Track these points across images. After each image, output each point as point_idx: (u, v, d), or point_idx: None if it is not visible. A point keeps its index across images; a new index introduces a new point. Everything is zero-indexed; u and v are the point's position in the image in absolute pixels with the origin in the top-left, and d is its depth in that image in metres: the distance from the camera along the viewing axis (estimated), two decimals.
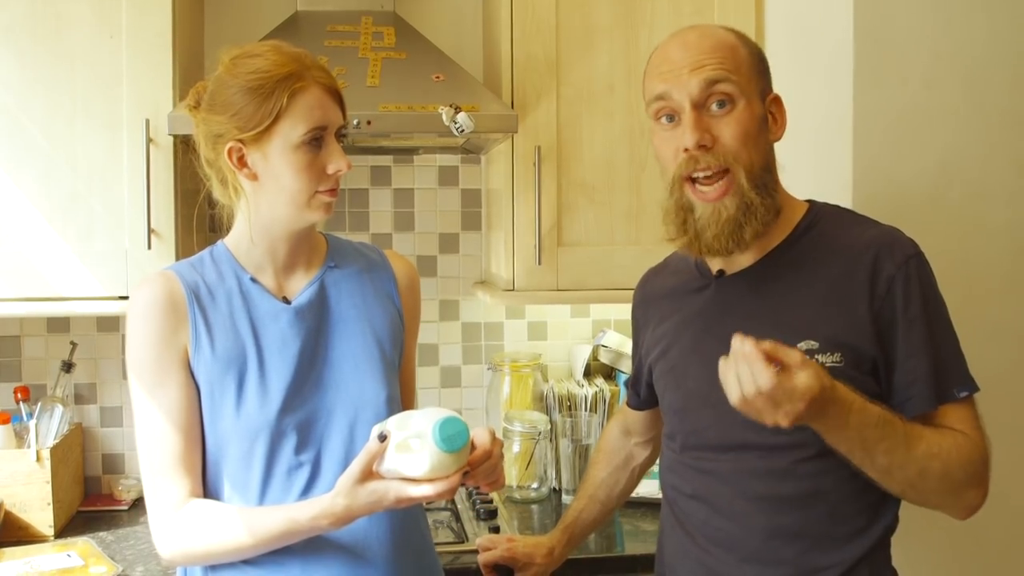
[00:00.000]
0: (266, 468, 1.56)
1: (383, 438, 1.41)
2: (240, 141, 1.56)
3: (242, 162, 1.57)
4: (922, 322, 1.49)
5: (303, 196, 1.57)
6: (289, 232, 1.64)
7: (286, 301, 1.65)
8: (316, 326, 1.65)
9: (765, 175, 1.54)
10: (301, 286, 1.67)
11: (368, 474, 1.43)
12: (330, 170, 1.58)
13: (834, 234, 1.57)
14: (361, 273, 1.73)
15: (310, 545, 1.54)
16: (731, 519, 1.57)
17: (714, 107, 1.51)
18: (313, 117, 1.56)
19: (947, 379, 1.50)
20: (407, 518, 1.65)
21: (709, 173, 1.51)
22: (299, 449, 1.58)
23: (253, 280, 1.64)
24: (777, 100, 1.59)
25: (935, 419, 1.49)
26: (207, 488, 1.60)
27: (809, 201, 1.64)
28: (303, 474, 1.57)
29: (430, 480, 1.41)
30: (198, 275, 1.63)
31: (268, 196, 1.59)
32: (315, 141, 1.56)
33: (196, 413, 1.58)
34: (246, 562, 1.56)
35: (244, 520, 1.52)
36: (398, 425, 1.43)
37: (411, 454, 1.41)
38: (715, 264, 1.64)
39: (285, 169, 1.56)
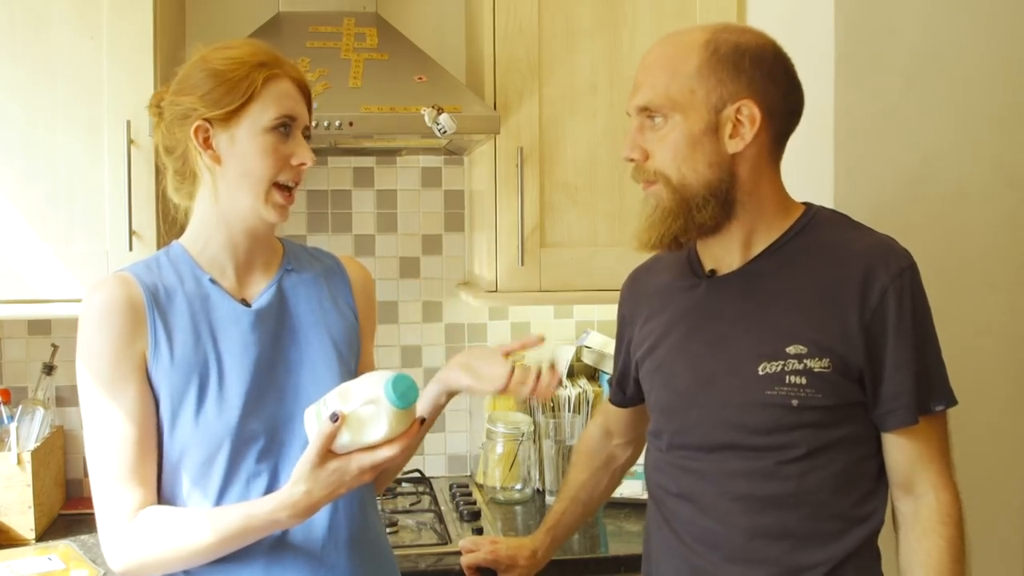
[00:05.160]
0: (226, 476, 1.53)
1: (336, 418, 1.39)
2: (208, 121, 1.55)
3: (207, 143, 1.57)
4: (912, 336, 1.51)
5: (263, 184, 1.56)
6: (245, 228, 1.61)
7: (245, 303, 1.63)
8: (275, 330, 1.63)
9: (707, 187, 1.54)
10: (260, 288, 1.65)
11: (325, 456, 1.41)
12: (294, 161, 1.58)
13: (828, 239, 1.58)
14: (318, 278, 1.72)
15: (270, 551, 1.52)
16: (716, 518, 1.57)
17: (656, 120, 1.56)
18: (284, 105, 1.57)
19: (928, 393, 1.53)
20: (365, 520, 1.65)
21: (643, 183, 1.60)
22: (260, 457, 1.55)
23: (213, 281, 1.61)
24: (743, 109, 1.52)
25: (910, 433, 1.53)
26: (164, 497, 1.55)
27: (805, 204, 1.65)
28: (261, 482, 1.54)
29: (389, 442, 1.41)
30: (156, 277, 1.60)
31: (229, 181, 1.57)
32: (283, 128, 1.57)
33: (152, 421, 1.54)
34: (207, 568, 1.52)
35: (201, 520, 1.48)
36: (341, 399, 1.42)
37: (365, 422, 1.40)
38: (707, 263, 1.65)
39: (250, 151, 1.56)
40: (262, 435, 1.56)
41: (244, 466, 1.54)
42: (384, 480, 1.84)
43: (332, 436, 1.40)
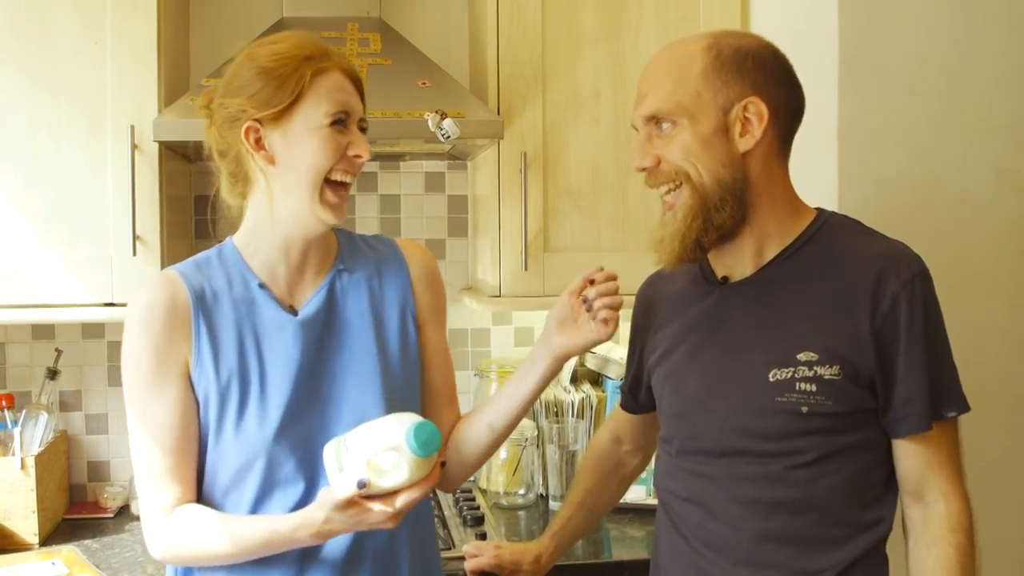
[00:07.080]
0: (262, 484, 1.53)
1: (363, 486, 1.36)
2: (258, 121, 1.51)
3: (259, 144, 1.52)
4: (923, 341, 1.50)
5: (319, 178, 1.51)
6: (300, 231, 1.57)
7: (292, 310, 1.59)
8: (321, 336, 1.59)
9: (722, 187, 1.54)
10: (309, 293, 1.61)
11: (349, 504, 1.39)
12: (351, 151, 1.54)
13: (840, 244, 1.58)
14: (371, 278, 1.66)
15: (299, 554, 1.52)
16: (724, 523, 1.57)
17: (664, 127, 1.56)
18: (336, 100, 1.53)
19: (941, 399, 1.52)
20: (393, 531, 1.58)
21: (665, 189, 1.58)
22: (298, 466, 1.54)
23: (261, 286, 1.58)
24: (750, 106, 1.53)
25: (921, 439, 1.52)
26: (204, 498, 1.57)
27: (818, 209, 1.64)
28: (296, 492, 1.53)
29: (411, 486, 1.39)
30: (204, 278, 1.57)
31: (284, 181, 1.53)
32: (338, 124, 1.53)
33: (193, 425, 1.54)
34: (237, 566, 1.54)
35: (228, 528, 1.50)
36: (363, 442, 1.40)
37: (386, 469, 1.38)
38: (719, 270, 1.65)
39: (306, 147, 1.51)
40: (301, 445, 1.54)
41: (281, 475, 1.54)
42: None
43: (353, 498, 1.38)
